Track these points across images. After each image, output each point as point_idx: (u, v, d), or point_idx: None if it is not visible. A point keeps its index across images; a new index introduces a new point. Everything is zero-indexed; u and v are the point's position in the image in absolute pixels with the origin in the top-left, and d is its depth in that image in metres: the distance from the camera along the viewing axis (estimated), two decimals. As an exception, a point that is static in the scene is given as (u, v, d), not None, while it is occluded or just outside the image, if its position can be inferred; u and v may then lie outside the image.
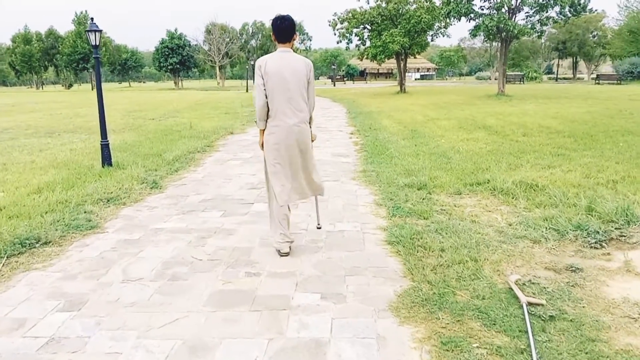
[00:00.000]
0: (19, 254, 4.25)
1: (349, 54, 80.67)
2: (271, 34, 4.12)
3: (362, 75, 78.80)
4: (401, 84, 31.95)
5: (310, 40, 71.45)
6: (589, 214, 4.87)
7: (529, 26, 22.59)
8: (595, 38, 52.23)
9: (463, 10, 22.88)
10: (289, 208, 4.24)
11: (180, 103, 25.77)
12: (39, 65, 67.51)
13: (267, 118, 3.93)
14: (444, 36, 30.64)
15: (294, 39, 4.02)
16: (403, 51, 30.10)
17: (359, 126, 13.62)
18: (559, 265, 3.83)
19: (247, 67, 26.02)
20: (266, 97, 3.83)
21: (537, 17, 23.26)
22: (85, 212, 5.40)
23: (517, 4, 23.22)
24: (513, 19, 22.89)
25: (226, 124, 14.42)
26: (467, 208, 5.41)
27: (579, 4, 26.32)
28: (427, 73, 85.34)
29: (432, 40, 31.29)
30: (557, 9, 23.76)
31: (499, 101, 21.39)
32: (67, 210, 5.41)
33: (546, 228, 4.55)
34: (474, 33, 24.01)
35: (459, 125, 12.57)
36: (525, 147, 9.05)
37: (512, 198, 5.68)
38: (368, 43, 31.34)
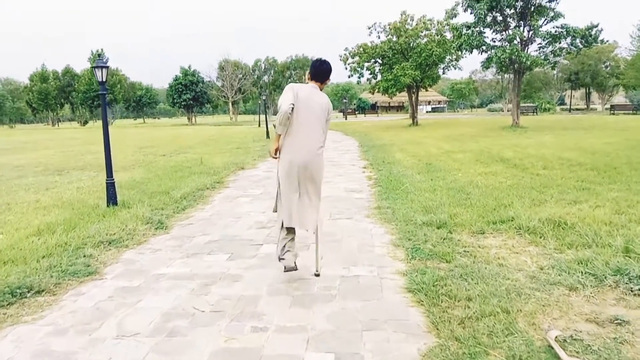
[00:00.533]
0: (8, 304, 3.93)
1: (360, 88, 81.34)
2: (309, 72, 4.46)
3: (374, 108, 79.23)
4: (413, 116, 31.83)
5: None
6: (627, 256, 4.45)
7: (542, 57, 22.40)
8: (608, 68, 52.07)
9: (474, 43, 22.81)
10: (294, 231, 4.45)
11: (193, 139, 25.80)
12: (55, 103, 68.85)
13: (286, 136, 4.17)
14: (455, 69, 30.67)
15: (326, 83, 4.45)
16: (414, 84, 30.08)
17: (371, 160, 13.32)
18: (602, 317, 3.41)
19: (259, 102, 25.99)
20: (291, 112, 4.06)
21: (550, 48, 23.08)
22: (84, 256, 5.10)
23: (530, 36, 23.12)
24: (525, 51, 22.75)
25: (237, 159, 14.22)
26: (493, 249, 5.01)
27: (590, 35, 26.22)
28: (439, 106, 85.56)
29: (443, 73, 31.31)
30: (569, 39, 23.55)
31: (513, 133, 21.04)
32: (66, 254, 5.11)
33: (582, 272, 4.14)
34: (486, 65, 23.90)
35: (476, 159, 12.22)
36: (547, 181, 8.65)
37: (540, 237, 5.28)
38: (379, 77, 31.43)
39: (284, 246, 4.32)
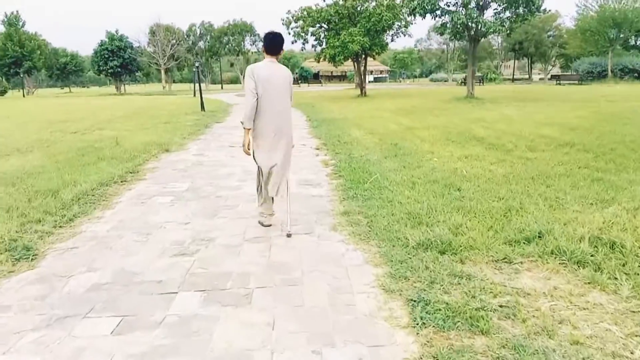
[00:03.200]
0: None
1: (302, 56, 78.54)
2: (262, 45, 4.72)
3: (317, 77, 76.83)
4: (361, 87, 29.97)
5: (262, 41, 68.40)
6: None
7: (499, 23, 20.96)
8: (551, 38, 52.16)
9: (429, 7, 21.03)
10: (272, 200, 4.98)
11: (117, 110, 22.76)
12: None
13: (256, 117, 4.49)
14: (405, 35, 28.90)
15: (281, 53, 4.64)
16: (363, 52, 28.12)
17: (324, 138, 11.34)
18: None
19: (193, 69, 23.24)
20: (256, 99, 4.42)
21: (507, 13, 21.69)
22: None
23: (485, 1, 21.61)
24: (482, 16, 21.23)
25: (162, 138, 11.82)
26: (540, 299, 3.21)
27: (533, 4, 25.09)
28: (380, 75, 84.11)
29: (392, 40, 29.49)
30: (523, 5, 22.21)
31: (471, 104, 19.64)
32: None
33: None
34: (440, 31, 22.26)
35: (445, 137, 10.49)
36: (545, 169, 7.02)
37: (598, 271, 3.55)
38: (325, 43, 29.21)
39: (266, 209, 4.97)
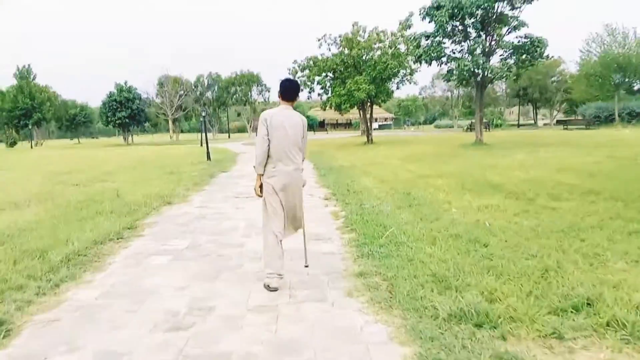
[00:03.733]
0: None
1: (308, 105, 79.46)
2: (278, 91, 4.66)
3: (322, 125, 77.41)
4: (367, 134, 29.79)
5: (269, 91, 69.32)
6: None
7: (506, 69, 20.84)
8: (555, 84, 52.40)
9: (434, 54, 21.02)
10: (282, 246, 4.63)
11: (121, 162, 22.56)
12: (-24, 123, 62.57)
13: (266, 164, 4.52)
14: (410, 83, 28.95)
15: (296, 100, 4.77)
16: (369, 100, 28.09)
17: (333, 187, 10.88)
18: None
19: (200, 119, 23.15)
20: (268, 145, 4.42)
21: (512, 60, 21.63)
22: None
23: (491, 47, 21.61)
24: (488, 62, 21.17)
25: (165, 190, 11.39)
26: (610, 391, 2.61)
27: (536, 51, 25.03)
28: (385, 123, 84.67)
29: (397, 88, 29.52)
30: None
31: (481, 151, 19.25)
32: None
33: None
34: (447, 78, 22.19)
35: (461, 185, 10.00)
36: (575, 220, 6.47)
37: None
38: (330, 92, 29.28)
39: (273, 270, 4.51)
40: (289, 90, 4.64)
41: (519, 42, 21.31)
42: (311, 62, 28.19)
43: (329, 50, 28.32)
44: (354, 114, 56.67)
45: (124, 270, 5.34)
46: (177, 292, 4.58)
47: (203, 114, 23.57)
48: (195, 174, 15.26)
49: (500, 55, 22.19)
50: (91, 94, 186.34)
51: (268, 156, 4.46)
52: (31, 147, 52.46)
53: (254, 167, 4.58)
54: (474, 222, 6.60)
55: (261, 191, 4.61)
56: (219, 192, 11.32)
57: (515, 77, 21.23)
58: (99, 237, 6.65)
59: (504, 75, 20.69)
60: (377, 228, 6.50)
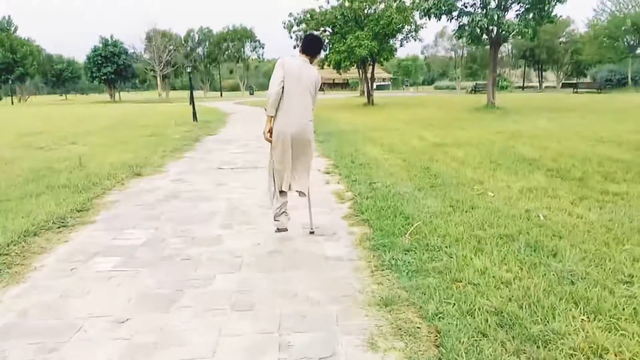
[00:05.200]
0: None
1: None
2: (300, 45, 4.66)
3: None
4: (368, 94, 27.94)
5: (263, 48, 66.41)
6: None
7: (523, 25, 18.90)
8: (563, 44, 50.08)
9: (445, 8, 19.04)
10: (286, 196, 4.66)
11: (101, 120, 20.76)
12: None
13: (277, 111, 4.37)
14: (415, 40, 26.90)
15: (317, 57, 4.70)
16: (370, 57, 26.11)
17: (335, 157, 9.29)
18: None
19: (190, 76, 21.29)
20: (282, 88, 4.28)
21: (530, 15, 19.68)
22: None
23: (506, 2, 19.62)
24: (503, 18, 19.24)
25: (138, 157, 9.77)
26: None
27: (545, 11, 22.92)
28: (383, 83, 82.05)
29: (401, 45, 27.52)
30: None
31: (495, 115, 17.60)
32: None
33: None
34: (459, 34, 20.21)
35: (487, 158, 8.44)
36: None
37: None
38: (329, 48, 27.21)
39: (279, 207, 4.58)
40: (311, 46, 4.57)
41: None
42: (308, 15, 26.06)
43: (328, 2, 26.14)
44: (350, 74, 54.45)
45: (50, 283, 3.80)
46: (113, 328, 3.05)
47: (188, 69, 21.60)
48: (177, 137, 13.61)
49: (517, 11, 20.21)
50: (79, 50, 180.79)
51: (280, 103, 4.34)
52: (12, 102, 50.13)
53: (265, 109, 4.48)
54: (522, 213, 5.05)
55: (271, 135, 4.45)
56: (201, 161, 9.70)
57: (532, 35, 19.33)
58: (33, 225, 5.09)
59: (521, 31, 18.76)
60: (397, 219, 4.95)
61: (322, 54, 27.93)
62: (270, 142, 4.47)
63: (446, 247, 4.11)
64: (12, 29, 55.25)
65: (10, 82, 54.00)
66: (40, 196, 6.50)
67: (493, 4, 19.48)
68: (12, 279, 3.88)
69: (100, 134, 14.70)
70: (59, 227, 5.20)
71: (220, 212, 5.76)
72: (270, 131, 4.43)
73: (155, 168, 8.80)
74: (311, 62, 4.51)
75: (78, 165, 8.86)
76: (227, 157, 10.17)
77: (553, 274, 3.51)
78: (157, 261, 4.19)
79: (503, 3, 19.30)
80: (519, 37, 20.51)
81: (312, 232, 4.77)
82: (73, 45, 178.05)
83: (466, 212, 5.17)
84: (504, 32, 19.24)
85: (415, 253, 4.03)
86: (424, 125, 14.78)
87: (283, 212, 4.60)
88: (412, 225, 4.71)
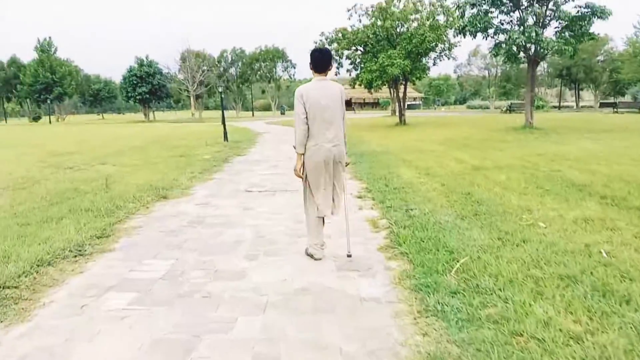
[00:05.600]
0: None
1: (335, 83, 76.72)
2: (309, 63, 4.35)
3: (349, 105, 74.87)
4: (400, 114, 27.46)
5: (294, 68, 66.86)
6: None
7: (563, 42, 18.21)
8: (601, 63, 48.63)
9: (482, 25, 18.53)
10: (323, 220, 4.59)
11: (133, 140, 20.89)
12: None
13: (307, 141, 4.26)
14: (448, 59, 26.38)
15: (330, 69, 4.42)
16: (403, 76, 25.68)
17: (367, 180, 8.84)
18: None
19: (221, 95, 21.27)
20: (307, 124, 4.19)
21: (567, 32, 18.99)
22: None
23: (544, 18, 18.98)
24: (542, 35, 18.60)
25: (166, 178, 9.54)
26: None
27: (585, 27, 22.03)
28: (414, 103, 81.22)
29: (434, 64, 26.98)
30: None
31: (534, 136, 16.86)
32: None
33: None
34: (495, 52, 19.63)
35: (533, 183, 7.85)
36: None
37: None
38: (360, 68, 26.93)
39: (317, 243, 4.52)
40: (320, 61, 4.33)
41: (577, 12, 18.62)
42: (340, 35, 25.89)
43: (360, 21, 25.94)
44: (381, 93, 54.07)
45: (55, 323, 3.45)
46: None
47: (220, 89, 21.61)
48: (207, 157, 13.40)
49: (555, 28, 19.54)
50: (116, 70, 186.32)
51: (308, 135, 4.25)
52: (50, 122, 51.54)
53: (294, 146, 4.35)
54: (582, 249, 4.49)
55: (302, 172, 4.38)
56: (229, 183, 9.39)
57: (572, 53, 18.60)
58: (49, 253, 4.81)
59: (561, 49, 18.07)
60: (440, 253, 4.47)
61: (354, 73, 27.73)
62: (302, 178, 4.42)
63: (499, 289, 3.60)
64: (53, 50, 57.31)
65: (49, 101, 55.66)
66: (62, 220, 6.26)
67: (530, 21, 18.87)
68: (17, 316, 3.55)
69: (131, 155, 14.64)
70: (75, 256, 4.89)
71: (245, 240, 5.37)
72: (302, 167, 4.36)
73: (182, 190, 8.51)
74: (326, 76, 4.36)
75: (104, 187, 8.67)
76: (255, 179, 9.85)
77: (631, 328, 2.96)
78: (175, 298, 3.81)
79: (541, 20, 18.66)
80: (558, 55, 19.79)
81: (349, 256, 4.61)
82: (110, 66, 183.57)
83: (517, 246, 4.63)
84: (542, 50, 18.57)
85: (464, 296, 3.54)
86: (460, 146, 14.21)
87: (320, 245, 4.55)
88: (458, 261, 4.22)
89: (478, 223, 5.49)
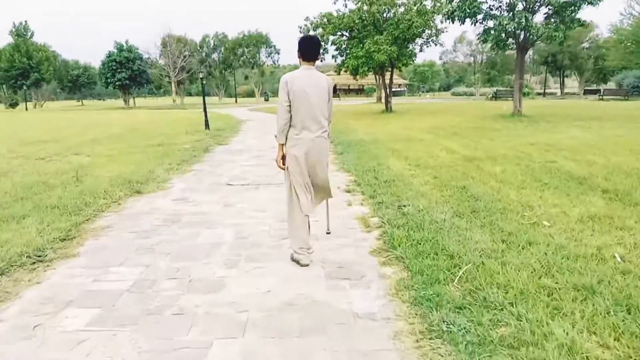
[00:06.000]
0: None
1: (320, 69, 75.88)
2: (297, 51, 4.12)
3: (334, 91, 74.04)
4: (387, 101, 27.01)
5: (278, 53, 65.72)
6: None
7: (552, 28, 17.85)
8: (586, 50, 48.59)
9: (471, 10, 18.06)
10: (309, 220, 4.32)
11: (111, 128, 20.13)
12: (-27, 83, 59.86)
13: (289, 131, 4.07)
14: (435, 45, 25.89)
15: (318, 58, 4.22)
16: (389, 63, 25.17)
17: (355, 172, 8.40)
18: None
19: (202, 82, 20.59)
20: (289, 112, 3.99)
21: (558, 18, 18.64)
22: None
23: (534, 4, 18.59)
24: (531, 21, 18.21)
25: (141, 171, 8.98)
26: None
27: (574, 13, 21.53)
28: (398, 89, 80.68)
29: (420, 50, 26.50)
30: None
31: (523, 124, 16.53)
32: None
33: None
34: (484, 38, 19.20)
35: (530, 175, 7.47)
36: None
37: None
38: (346, 54, 26.35)
39: (302, 244, 4.21)
40: (309, 49, 4.12)
41: (568, -4, 18.22)
42: (325, 20, 25.22)
43: (346, 6, 25.26)
44: (366, 80, 53.55)
45: (1, 350, 2.96)
46: None
47: (201, 75, 20.87)
48: (187, 147, 12.82)
49: (545, 14, 19.16)
50: (95, 55, 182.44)
51: (290, 124, 4.06)
52: (26, 108, 50.09)
53: (275, 136, 4.18)
54: (594, 252, 4.10)
55: (284, 163, 4.17)
56: (209, 175, 8.87)
57: (562, 39, 18.26)
58: (4, 261, 4.30)
59: (552, 36, 17.71)
60: (439, 258, 4.05)
61: (339, 59, 27.14)
62: (284, 169, 4.17)
63: (510, 304, 3.19)
64: (29, 34, 55.49)
65: (25, 87, 54.02)
66: (24, 220, 5.72)
67: (520, 7, 18.47)
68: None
69: (107, 143, 13.99)
70: (34, 263, 4.38)
71: (225, 243, 4.89)
72: (284, 158, 4.13)
73: (158, 184, 7.97)
74: (314, 65, 4.15)
75: (75, 180, 8.10)
76: (237, 170, 9.35)
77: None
78: (142, 316, 3.33)
79: (530, 6, 18.26)
80: (548, 41, 19.45)
81: (328, 233, 4.75)
82: (90, 51, 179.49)
83: (523, 249, 4.23)
84: (531, 37, 18.21)
85: (472, 312, 3.12)
86: (449, 134, 13.82)
87: (307, 249, 4.24)
88: (460, 268, 3.81)
89: (477, 222, 5.09)
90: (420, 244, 4.44)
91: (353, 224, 5.40)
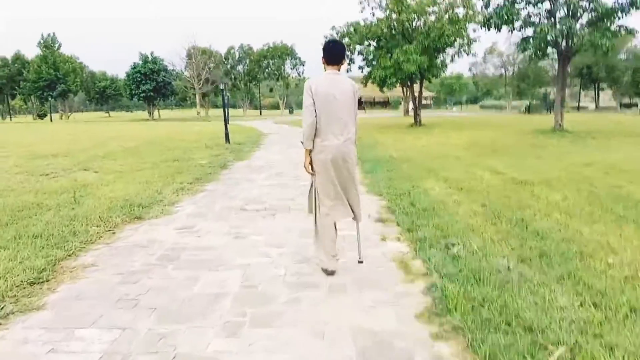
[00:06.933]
0: None
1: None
2: (322, 56, 4.04)
3: (359, 104, 73.13)
4: (416, 114, 25.85)
5: (303, 65, 65.14)
6: None
7: (599, 35, 16.52)
8: (624, 62, 46.58)
9: (509, 17, 16.88)
10: (335, 227, 4.21)
11: (129, 141, 19.47)
12: (4, 94, 60.68)
13: (314, 137, 3.98)
14: (468, 54, 24.67)
15: (343, 63, 4.13)
16: (419, 74, 24.06)
17: (387, 196, 7.33)
18: None
19: (223, 93, 19.86)
20: (315, 117, 3.89)
21: (602, 25, 17.31)
22: None
23: (576, 10, 17.30)
24: (575, 28, 16.94)
25: (147, 191, 8.07)
26: None
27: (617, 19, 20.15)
28: (424, 102, 79.34)
29: (451, 61, 25.32)
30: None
31: (567, 140, 15.22)
32: None
33: None
34: (522, 47, 17.98)
35: (598, 205, 6.27)
36: None
37: None
38: (372, 65, 25.36)
39: (329, 250, 4.10)
40: (334, 53, 4.03)
41: (615, 2, 16.92)
42: (351, 29, 24.30)
43: (373, 15, 24.30)
44: (391, 93, 52.49)
45: None
46: None
47: (222, 86, 20.15)
48: (203, 163, 11.93)
49: (588, 21, 17.84)
50: (122, 67, 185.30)
51: (315, 133, 3.93)
52: (51, 119, 50.41)
53: (302, 142, 4.04)
54: None
55: (312, 168, 4.04)
56: (222, 197, 7.89)
57: (608, 48, 16.94)
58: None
59: (598, 44, 16.39)
60: (514, 332, 2.95)
61: (366, 70, 26.15)
62: (312, 174, 4.09)
63: None
64: (56, 46, 56.17)
65: (52, 98, 54.52)
66: (2, 250, 4.81)
67: (562, 13, 17.22)
68: None
69: (120, 158, 13.21)
70: (-14, 320, 3.42)
71: (227, 294, 3.86)
72: (311, 163, 4.05)
73: (164, 207, 7.02)
74: (339, 70, 4.06)
75: (72, 202, 7.22)
76: (255, 191, 8.36)
77: None
78: None
79: (574, 12, 17.00)
80: (593, 50, 18.11)
81: (360, 262, 4.35)
82: (117, 63, 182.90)
83: (625, 320, 3.09)
84: (574, 45, 16.93)
85: None
86: (488, 152, 12.62)
87: (333, 255, 4.12)
88: (547, 350, 2.70)
89: (552, 273, 3.95)
90: (483, 306, 3.34)
91: (390, 269, 4.32)
